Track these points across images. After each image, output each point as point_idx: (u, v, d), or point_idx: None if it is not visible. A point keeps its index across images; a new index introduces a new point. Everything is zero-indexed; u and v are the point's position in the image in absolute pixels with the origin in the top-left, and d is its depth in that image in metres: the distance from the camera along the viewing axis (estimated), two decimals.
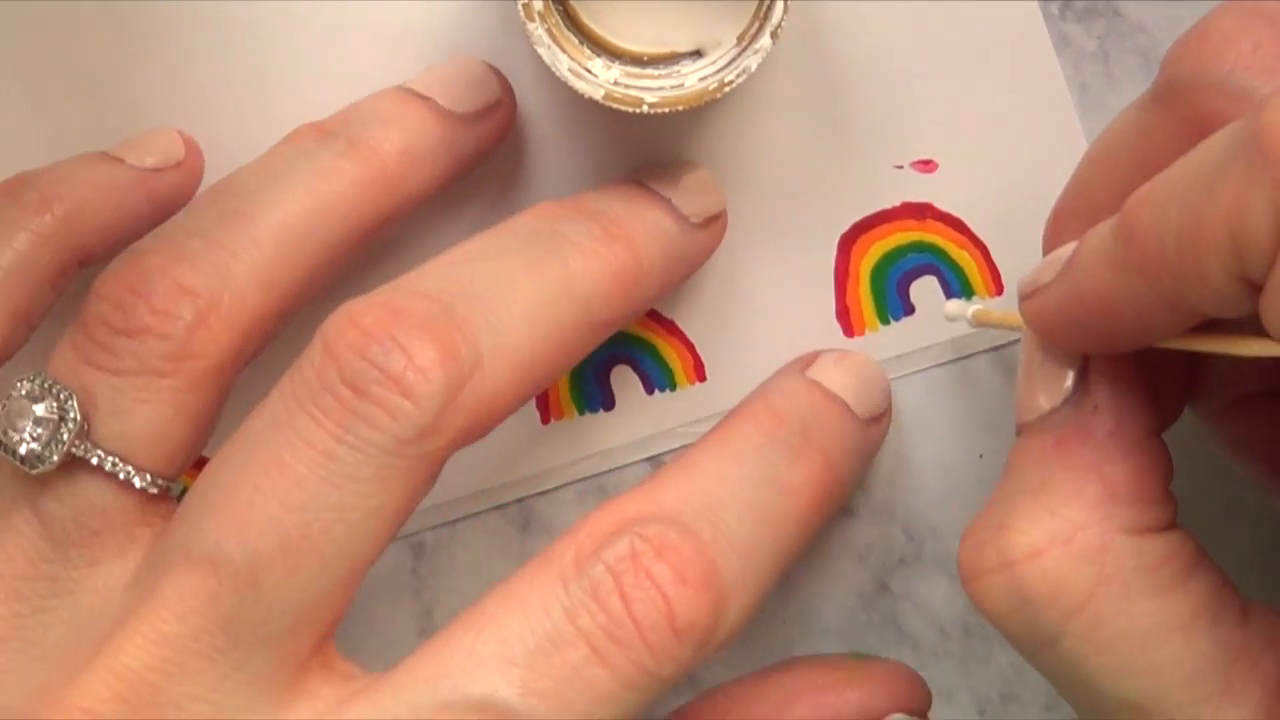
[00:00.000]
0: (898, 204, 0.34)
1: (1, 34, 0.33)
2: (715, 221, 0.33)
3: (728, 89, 0.29)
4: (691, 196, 0.32)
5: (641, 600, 0.26)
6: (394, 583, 0.36)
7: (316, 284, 0.30)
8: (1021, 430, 0.27)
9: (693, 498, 0.28)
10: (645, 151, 0.34)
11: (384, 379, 0.26)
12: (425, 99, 0.31)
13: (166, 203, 0.32)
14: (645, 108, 0.29)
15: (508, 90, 0.33)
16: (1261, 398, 0.29)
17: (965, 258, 0.34)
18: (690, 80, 0.30)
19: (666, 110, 0.29)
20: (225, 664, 0.26)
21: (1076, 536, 0.25)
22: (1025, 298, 0.27)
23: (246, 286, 0.29)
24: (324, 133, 0.31)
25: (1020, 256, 0.34)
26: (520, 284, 0.28)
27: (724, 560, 0.27)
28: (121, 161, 0.32)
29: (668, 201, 0.31)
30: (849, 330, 0.34)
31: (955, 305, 0.33)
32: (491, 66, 0.32)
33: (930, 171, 0.34)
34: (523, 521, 0.36)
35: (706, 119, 0.34)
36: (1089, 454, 0.26)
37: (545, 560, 0.27)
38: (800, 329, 0.34)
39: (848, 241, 0.34)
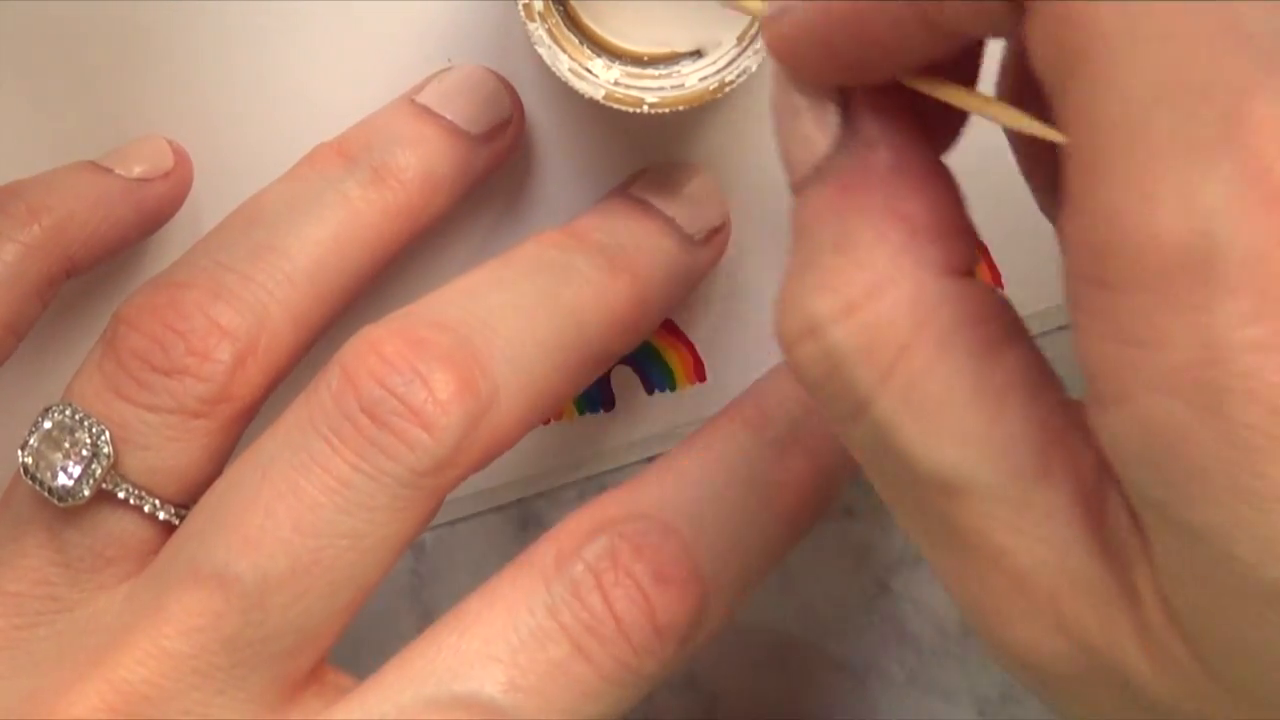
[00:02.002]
0: None
1: (1, 37, 0.33)
2: (718, 235, 0.33)
3: (728, 89, 0.29)
4: (694, 208, 0.32)
5: (621, 598, 0.27)
6: (394, 583, 0.36)
7: (339, 314, 0.31)
8: (797, 190, 0.24)
9: (675, 497, 0.28)
10: (645, 151, 0.34)
11: (404, 410, 0.26)
12: (441, 118, 0.31)
13: (155, 212, 0.32)
14: (646, 108, 0.29)
15: (517, 105, 0.33)
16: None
17: None
18: (691, 80, 0.30)
19: (667, 110, 0.29)
20: (222, 681, 0.26)
21: (889, 287, 0.22)
22: (770, 20, 0.24)
23: (282, 326, 0.29)
24: (346, 157, 0.31)
25: (1020, 256, 0.34)
26: (534, 318, 0.28)
27: (705, 559, 0.28)
28: (110, 171, 0.32)
29: (670, 221, 0.32)
30: None
31: None
32: (501, 79, 0.32)
33: None
34: (523, 521, 0.36)
35: (707, 119, 0.34)
36: (878, 193, 0.23)
37: (527, 560, 0.27)
38: None
39: None
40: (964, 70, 0.24)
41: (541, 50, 0.29)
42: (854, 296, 0.22)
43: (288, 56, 0.33)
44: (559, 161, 0.34)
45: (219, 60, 0.33)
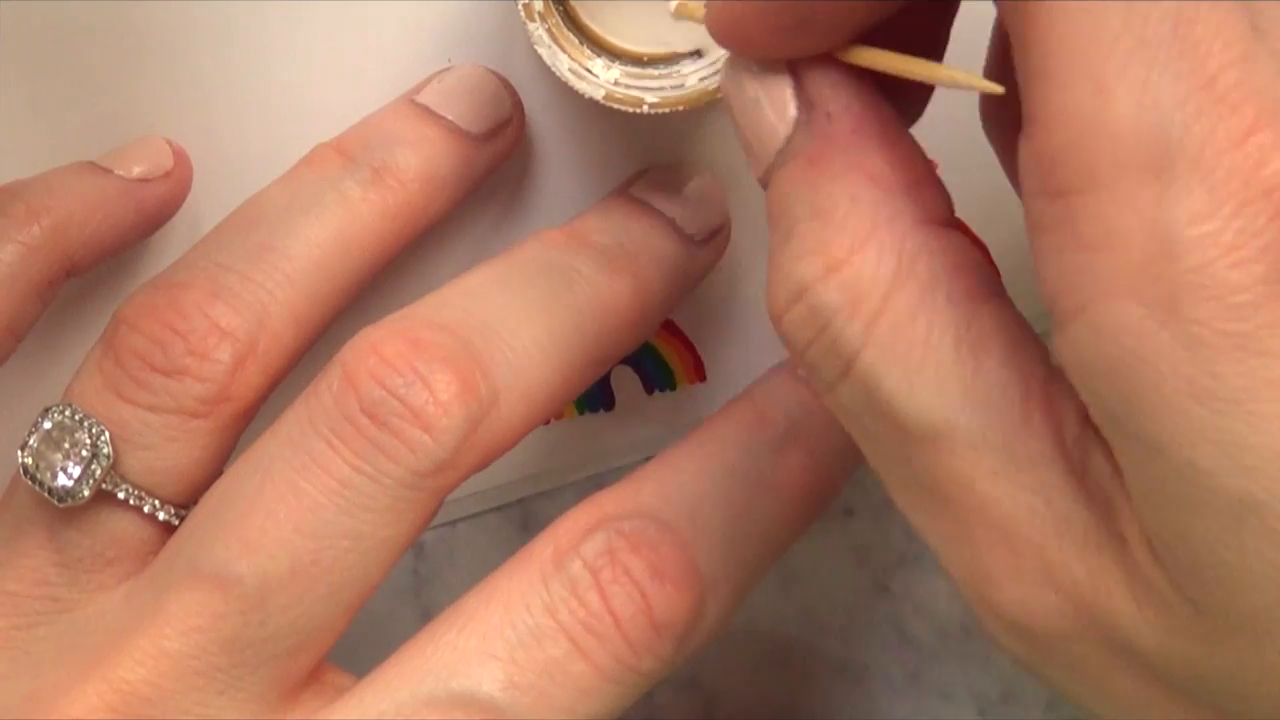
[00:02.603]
0: None
1: (1, 37, 0.33)
2: (718, 235, 0.33)
3: None
4: (694, 209, 0.32)
5: (619, 595, 0.27)
6: (394, 583, 0.36)
7: (339, 314, 0.31)
8: (765, 179, 0.25)
9: (673, 494, 0.28)
10: (645, 151, 0.34)
11: (405, 411, 0.26)
12: (441, 118, 0.31)
13: (155, 213, 0.32)
14: (646, 108, 0.29)
15: (518, 105, 0.33)
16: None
17: None
18: (691, 80, 0.30)
19: (667, 110, 0.29)
20: (222, 681, 0.26)
21: (868, 242, 0.22)
22: (713, 5, 0.24)
23: (282, 327, 0.29)
24: (346, 157, 0.31)
25: (1020, 256, 0.34)
26: (534, 319, 0.28)
27: (703, 557, 0.28)
28: (109, 172, 0.32)
29: (671, 222, 0.32)
30: None
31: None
32: (501, 79, 0.32)
33: None
34: (523, 521, 0.36)
35: (707, 119, 0.34)
36: (845, 158, 0.23)
37: (525, 557, 0.27)
38: None
39: None
40: (930, 37, 0.24)
41: (541, 50, 0.29)
42: (836, 256, 0.22)
43: (288, 56, 0.33)
44: (559, 161, 0.34)
45: (219, 60, 0.33)
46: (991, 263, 0.23)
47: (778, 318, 0.23)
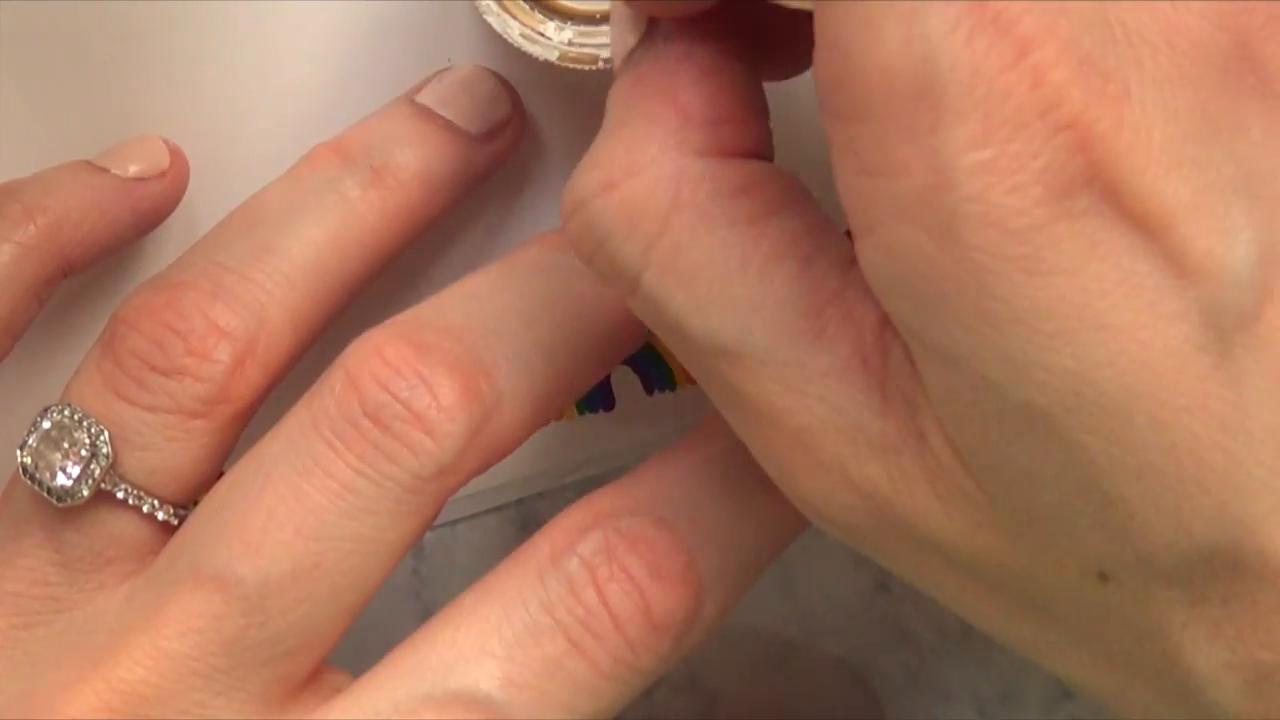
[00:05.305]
0: None
1: (0, 37, 0.33)
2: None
3: None
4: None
5: (616, 593, 0.27)
6: (394, 583, 0.35)
7: (338, 315, 0.31)
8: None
9: (670, 492, 0.28)
10: None
11: (407, 415, 0.26)
12: (440, 118, 0.31)
13: (151, 212, 0.32)
14: (601, 64, 0.29)
15: (517, 105, 0.33)
16: None
17: None
18: None
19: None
20: (221, 682, 0.26)
21: (649, 165, 0.23)
22: None
23: (281, 327, 0.29)
24: (345, 158, 0.31)
25: None
26: (537, 322, 0.28)
27: (701, 555, 0.28)
28: (106, 171, 0.32)
29: None
30: None
31: None
32: (500, 78, 0.33)
33: None
34: (523, 521, 0.36)
35: None
36: (662, 81, 0.24)
37: (522, 555, 0.27)
38: None
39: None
40: None
41: (490, 19, 0.29)
42: (615, 174, 0.23)
43: (287, 56, 0.33)
44: (559, 161, 0.34)
45: (217, 60, 0.33)
46: (787, 178, 0.24)
47: (562, 222, 0.24)
